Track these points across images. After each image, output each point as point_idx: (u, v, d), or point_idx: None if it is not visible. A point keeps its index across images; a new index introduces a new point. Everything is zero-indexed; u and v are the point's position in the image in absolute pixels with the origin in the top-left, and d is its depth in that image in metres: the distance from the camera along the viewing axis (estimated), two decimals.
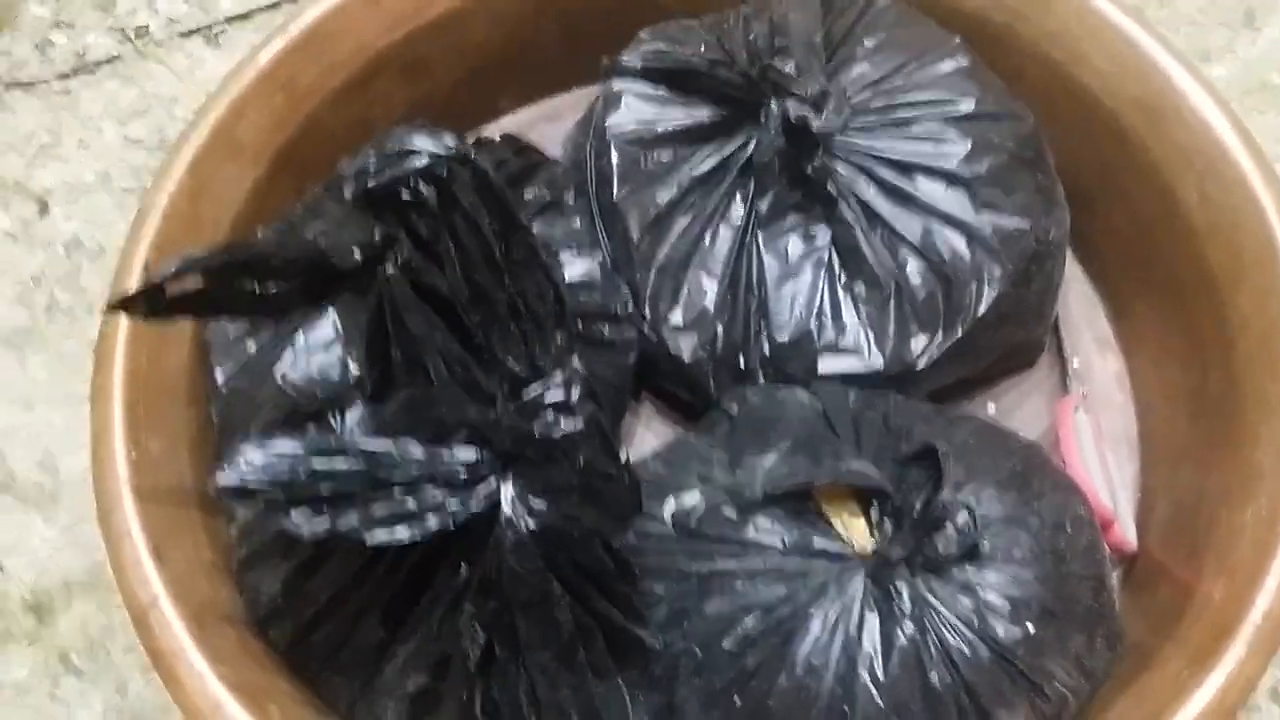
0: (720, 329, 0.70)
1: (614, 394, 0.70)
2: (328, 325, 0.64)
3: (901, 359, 0.69)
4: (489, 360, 0.55)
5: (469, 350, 0.56)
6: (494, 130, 0.81)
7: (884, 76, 0.72)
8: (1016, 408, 0.76)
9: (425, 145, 0.54)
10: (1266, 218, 0.68)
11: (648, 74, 0.71)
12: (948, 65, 0.73)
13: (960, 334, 0.69)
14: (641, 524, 0.59)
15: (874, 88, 0.72)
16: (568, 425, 0.51)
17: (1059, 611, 0.59)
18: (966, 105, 0.72)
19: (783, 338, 0.69)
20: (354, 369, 0.63)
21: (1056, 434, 0.73)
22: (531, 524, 0.52)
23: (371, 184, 0.55)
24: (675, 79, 0.71)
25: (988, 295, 0.69)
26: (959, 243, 0.69)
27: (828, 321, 0.69)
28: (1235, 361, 0.67)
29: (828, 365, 0.69)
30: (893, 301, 0.69)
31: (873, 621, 0.57)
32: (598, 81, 0.76)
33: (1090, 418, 0.74)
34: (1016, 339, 0.73)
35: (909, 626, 0.56)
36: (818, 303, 0.69)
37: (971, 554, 0.57)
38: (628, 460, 0.53)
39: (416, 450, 0.52)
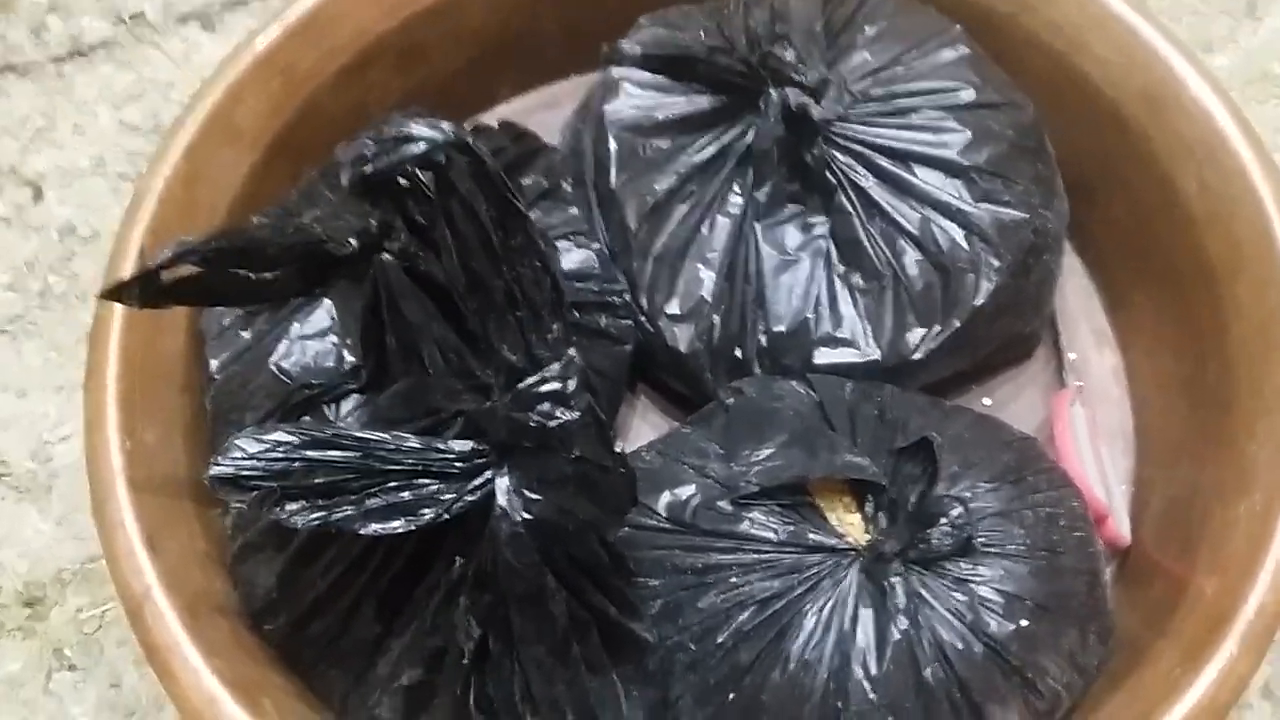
0: (717, 320, 0.70)
1: (610, 385, 0.70)
2: (323, 313, 0.64)
3: (898, 351, 0.69)
4: (485, 349, 0.54)
5: (465, 339, 0.56)
6: (492, 118, 0.81)
7: (884, 65, 0.72)
8: (1012, 401, 0.76)
9: (423, 132, 0.53)
10: (1265, 208, 0.67)
11: (647, 61, 0.71)
12: (948, 54, 0.73)
13: (957, 326, 0.69)
14: (636, 517, 0.59)
15: (874, 76, 0.72)
16: (563, 416, 0.51)
17: (1052, 606, 0.59)
18: (966, 94, 0.71)
19: (779, 329, 0.69)
20: (349, 358, 0.63)
21: (1052, 427, 0.73)
22: (526, 516, 0.52)
23: (368, 170, 0.54)
24: (674, 66, 0.71)
25: (985, 287, 0.69)
26: (957, 234, 0.69)
27: (825, 313, 0.69)
28: (1232, 353, 0.67)
29: (824, 357, 0.69)
30: (890, 293, 0.69)
31: (867, 616, 0.57)
32: (597, 69, 0.76)
33: (1086, 411, 0.74)
34: (1014, 331, 0.73)
35: (903, 621, 0.56)
36: (815, 294, 0.69)
37: (965, 548, 0.57)
38: (623, 452, 0.53)
39: (411, 441, 0.52)
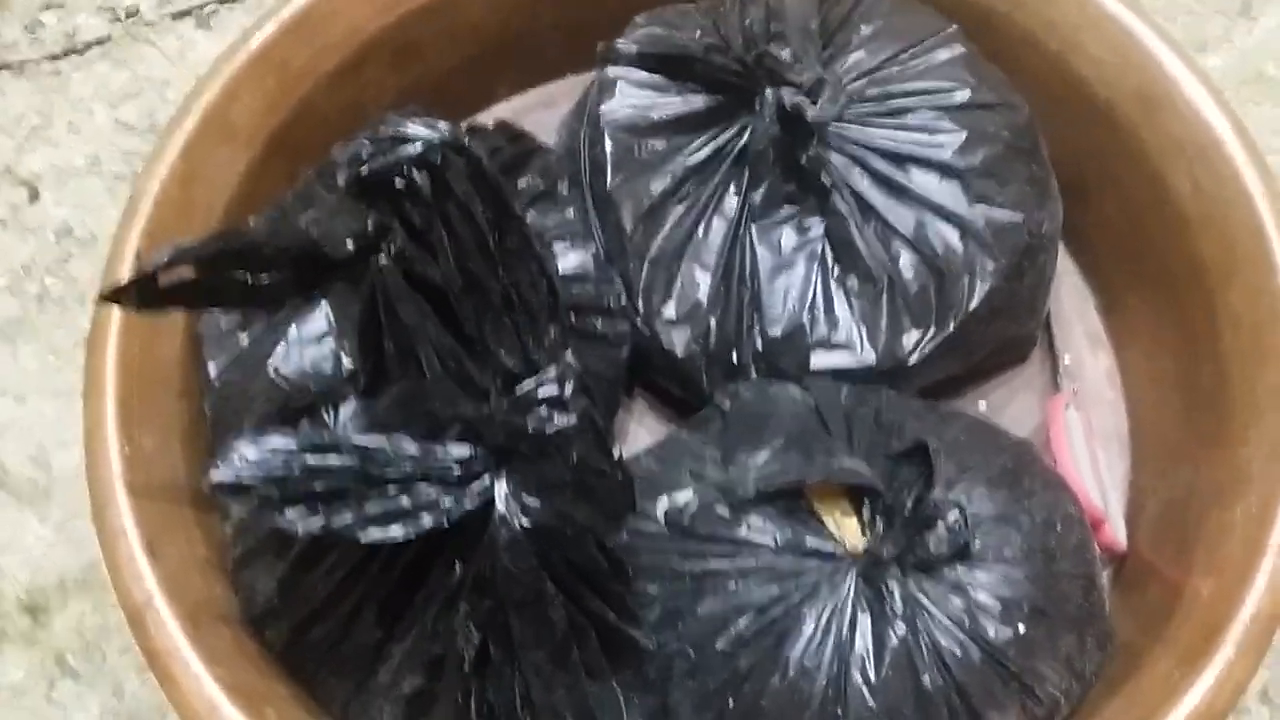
0: (713, 323, 0.70)
1: (607, 389, 0.70)
2: (320, 317, 0.64)
3: (894, 354, 0.69)
4: (482, 353, 0.54)
5: (462, 342, 0.56)
6: (488, 117, 0.81)
7: (880, 65, 0.72)
8: (1007, 404, 0.76)
9: (419, 132, 0.53)
10: (1258, 210, 0.68)
11: (643, 60, 0.71)
12: (944, 54, 0.73)
13: (952, 329, 0.69)
14: (635, 522, 0.59)
15: (869, 76, 0.72)
16: (561, 421, 0.51)
17: (1050, 611, 0.59)
18: (961, 95, 0.71)
19: (775, 332, 0.69)
20: (347, 362, 0.63)
21: (1047, 431, 0.73)
22: (525, 522, 0.52)
23: (365, 171, 0.54)
24: (670, 65, 0.71)
25: (980, 289, 0.69)
26: (952, 235, 0.69)
27: (820, 316, 0.69)
28: (1226, 356, 0.67)
29: (820, 360, 0.69)
30: (885, 295, 0.69)
31: (865, 622, 0.57)
32: (593, 68, 0.76)
33: (1081, 415, 0.74)
34: (1008, 334, 0.73)
35: (901, 627, 0.57)
36: (810, 296, 0.69)
37: (962, 553, 0.57)
38: (621, 457, 0.53)
39: (410, 447, 0.52)
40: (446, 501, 0.51)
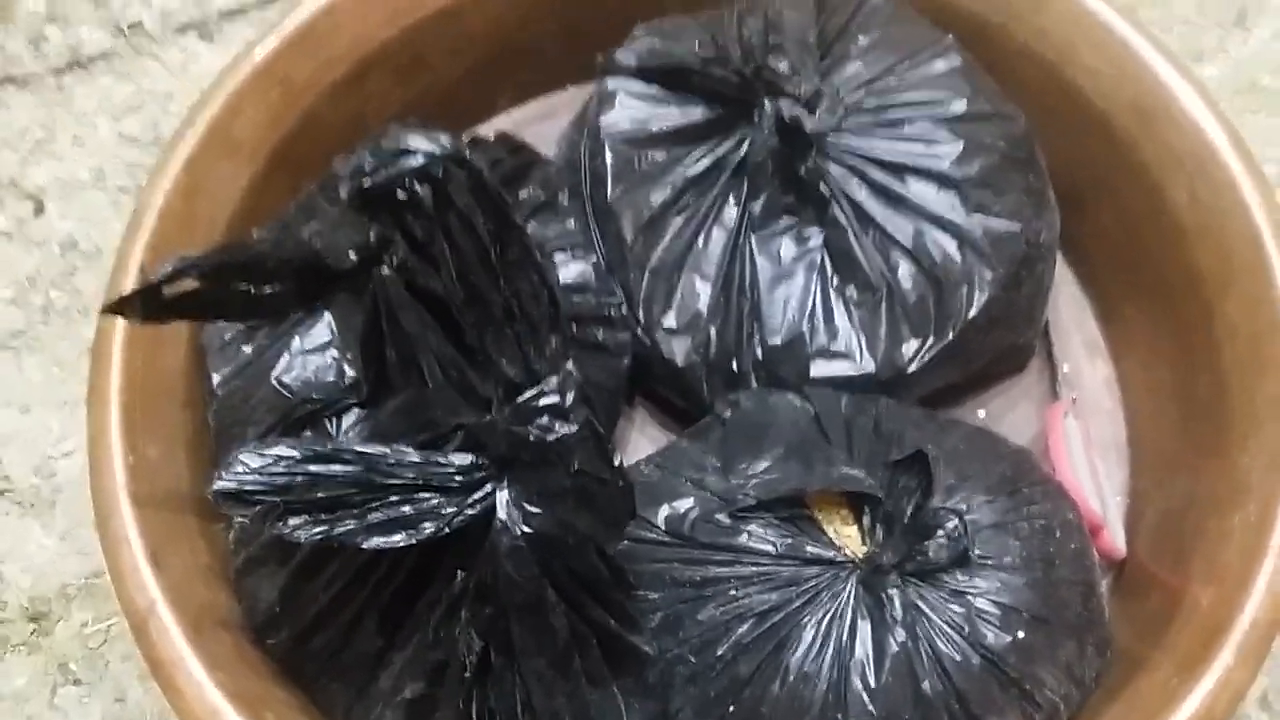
0: (713, 332, 0.70)
1: (608, 398, 0.70)
2: (323, 328, 0.64)
3: (893, 363, 0.69)
4: (484, 363, 0.55)
5: (463, 353, 0.56)
6: (489, 129, 0.81)
7: (877, 76, 0.73)
8: (1006, 413, 0.77)
9: (420, 145, 0.53)
10: (1255, 220, 0.68)
11: (642, 71, 0.71)
12: (940, 65, 0.73)
13: (951, 338, 0.69)
14: (635, 530, 0.60)
15: (867, 87, 0.72)
16: (562, 429, 0.51)
17: (1049, 618, 0.59)
18: (958, 105, 0.72)
19: (775, 341, 0.69)
20: (349, 371, 0.63)
21: (1046, 440, 0.73)
22: (526, 529, 0.52)
23: (367, 184, 0.55)
24: (669, 77, 0.71)
25: (978, 299, 0.69)
26: (950, 245, 0.69)
27: (820, 325, 0.69)
28: (1224, 366, 0.68)
29: (820, 369, 0.69)
30: (884, 305, 0.69)
31: (865, 628, 0.57)
32: (593, 80, 0.76)
33: (1080, 423, 0.75)
34: (1007, 343, 0.74)
35: (900, 633, 0.57)
36: (810, 306, 0.70)
37: (962, 560, 0.58)
38: (621, 465, 0.53)
39: (412, 455, 0.52)
40: (448, 509, 0.52)
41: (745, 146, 0.71)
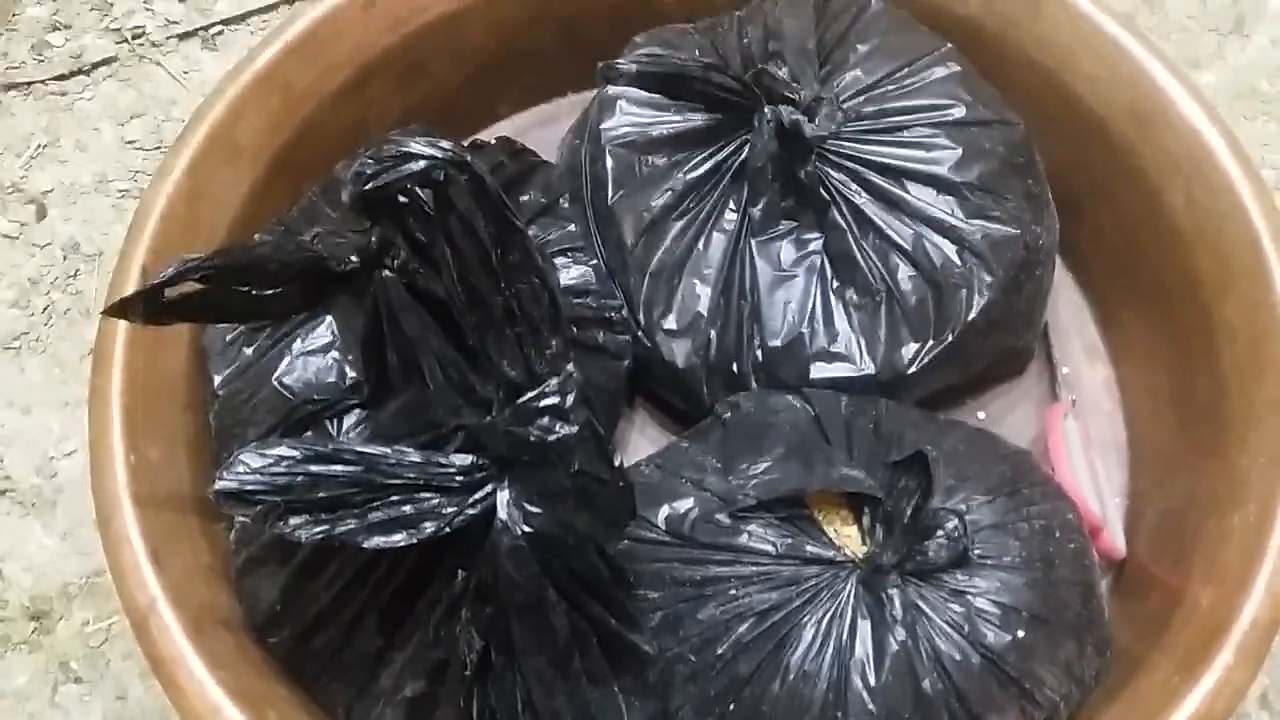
0: (713, 335, 0.70)
1: (608, 400, 0.70)
2: (324, 329, 0.64)
3: (892, 365, 0.69)
4: (484, 365, 0.55)
5: (464, 354, 0.56)
6: (490, 135, 0.81)
7: (876, 82, 0.73)
8: (1006, 415, 0.77)
9: (422, 149, 0.53)
10: (1253, 224, 0.68)
11: (642, 79, 0.72)
12: (939, 71, 0.74)
13: (950, 340, 0.69)
14: (636, 530, 0.60)
15: (866, 93, 0.72)
16: (562, 430, 0.51)
17: (1049, 617, 0.59)
18: (957, 111, 0.72)
19: (775, 343, 0.69)
20: (350, 373, 0.63)
21: (1046, 441, 0.73)
22: (526, 529, 0.52)
23: (368, 188, 0.55)
24: (669, 84, 0.72)
25: (978, 302, 0.69)
26: (949, 249, 0.70)
27: (820, 327, 0.70)
28: (1223, 369, 0.68)
29: (820, 371, 0.69)
30: (884, 308, 0.70)
31: (865, 628, 0.57)
32: (594, 87, 0.77)
33: (1079, 425, 0.75)
34: (1006, 346, 0.74)
35: (900, 632, 0.57)
36: (810, 308, 0.70)
37: (962, 560, 0.58)
38: (622, 465, 0.53)
39: (413, 455, 0.52)
40: (449, 509, 0.52)
41: (745, 152, 0.71)
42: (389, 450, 0.52)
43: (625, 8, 0.80)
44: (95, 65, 0.97)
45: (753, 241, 0.71)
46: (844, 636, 0.57)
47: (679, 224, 0.72)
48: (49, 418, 0.84)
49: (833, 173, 0.70)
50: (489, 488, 0.53)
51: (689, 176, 0.72)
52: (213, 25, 0.99)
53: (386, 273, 0.58)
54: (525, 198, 0.72)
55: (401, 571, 0.56)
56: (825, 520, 0.61)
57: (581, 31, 0.82)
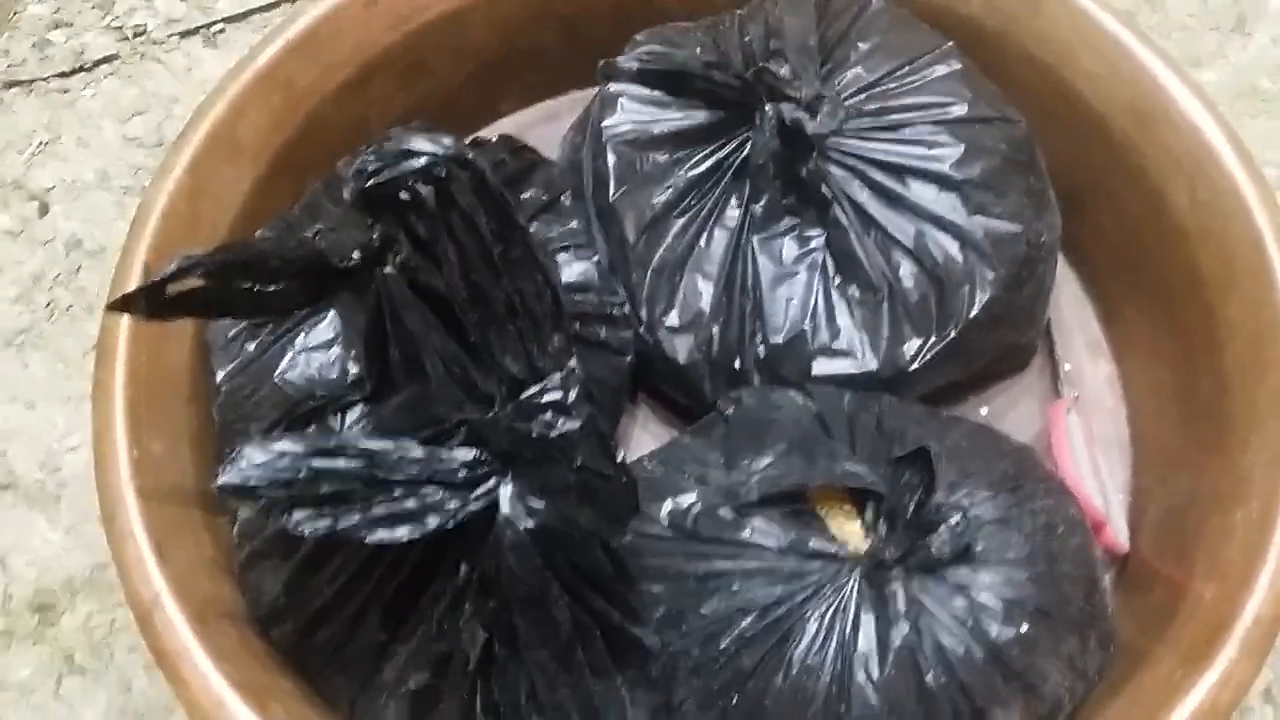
0: (716, 331, 0.70)
1: (611, 395, 0.70)
2: (327, 325, 0.65)
3: (895, 361, 0.69)
4: (487, 360, 0.55)
5: (467, 350, 0.56)
6: (492, 132, 0.82)
7: (877, 80, 0.73)
8: (1008, 411, 0.77)
9: (423, 146, 0.54)
10: (1256, 223, 0.68)
11: (644, 76, 0.72)
12: (940, 69, 0.74)
13: (953, 337, 0.69)
14: (639, 524, 0.60)
15: (867, 91, 0.73)
16: (565, 425, 0.51)
17: (1052, 612, 0.59)
18: (959, 109, 0.72)
19: (777, 340, 0.69)
20: (353, 369, 0.63)
21: (1048, 437, 0.74)
22: (530, 524, 0.52)
23: (370, 184, 0.55)
24: (671, 81, 0.72)
25: (980, 298, 0.69)
26: (951, 246, 0.70)
27: (822, 324, 0.70)
28: (1226, 367, 0.68)
29: (822, 367, 0.69)
30: (886, 304, 0.70)
31: (868, 622, 0.57)
32: (595, 84, 0.77)
33: (1082, 421, 0.75)
34: (1008, 342, 0.74)
35: (904, 627, 0.57)
36: (812, 305, 0.70)
37: (965, 555, 0.58)
38: (624, 461, 0.54)
39: (416, 450, 0.52)
40: (452, 504, 0.52)
41: (747, 149, 0.71)
42: (392, 445, 0.52)
43: (627, 6, 0.80)
44: (97, 63, 0.97)
45: (754, 238, 0.71)
46: (847, 631, 0.57)
47: (681, 221, 0.72)
48: (53, 412, 0.84)
49: (834, 170, 0.70)
50: (492, 482, 0.53)
51: (690, 173, 0.72)
52: (214, 23, 0.99)
53: (389, 269, 0.58)
54: (527, 194, 0.72)
55: (405, 565, 0.56)
56: (828, 515, 0.61)
57: (583, 29, 0.82)
